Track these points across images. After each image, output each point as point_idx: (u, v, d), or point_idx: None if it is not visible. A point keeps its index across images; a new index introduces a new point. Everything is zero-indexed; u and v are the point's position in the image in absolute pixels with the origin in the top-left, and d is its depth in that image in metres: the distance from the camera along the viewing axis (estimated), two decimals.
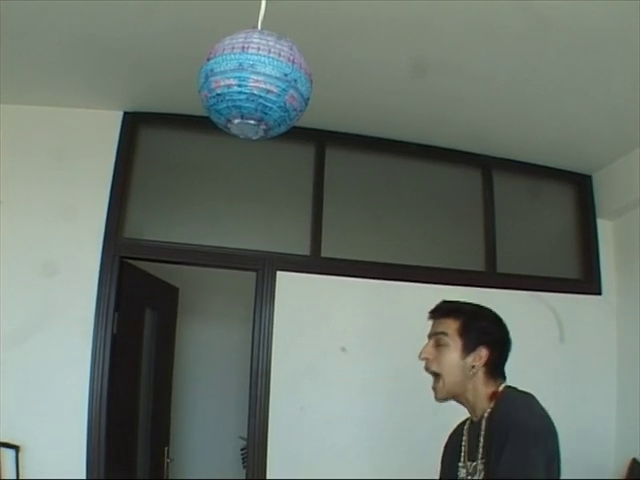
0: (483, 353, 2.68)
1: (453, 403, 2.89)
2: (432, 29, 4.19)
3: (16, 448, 4.83)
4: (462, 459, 2.72)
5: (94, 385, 5.08)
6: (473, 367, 2.68)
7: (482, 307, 2.84)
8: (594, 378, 5.89)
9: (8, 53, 4.59)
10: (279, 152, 5.74)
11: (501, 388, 2.68)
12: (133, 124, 5.65)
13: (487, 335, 2.72)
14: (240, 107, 2.24)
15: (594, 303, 6.09)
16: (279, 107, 2.26)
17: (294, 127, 2.46)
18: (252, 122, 2.29)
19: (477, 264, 6.01)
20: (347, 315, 5.61)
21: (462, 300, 2.90)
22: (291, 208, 5.84)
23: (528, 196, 6.32)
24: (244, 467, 6.36)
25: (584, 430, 5.51)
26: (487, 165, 6.23)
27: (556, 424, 2.48)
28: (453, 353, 2.70)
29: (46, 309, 5.09)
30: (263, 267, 5.55)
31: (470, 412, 2.77)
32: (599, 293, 6.18)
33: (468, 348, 2.69)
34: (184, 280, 6.93)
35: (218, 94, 2.25)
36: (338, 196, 5.87)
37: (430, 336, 2.82)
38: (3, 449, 4.82)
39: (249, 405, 5.37)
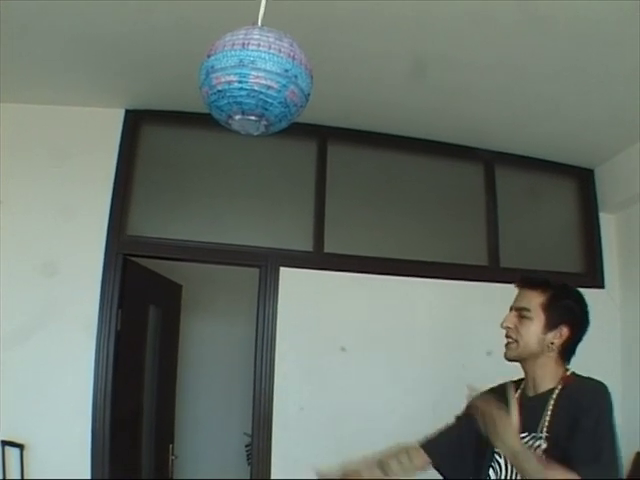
0: (564, 332, 2.74)
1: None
2: (432, 22, 4.18)
3: (20, 447, 4.85)
4: None
5: (98, 382, 5.10)
6: (552, 344, 2.73)
7: (568, 285, 2.88)
8: (597, 372, 5.87)
9: (8, 52, 4.60)
10: (281, 148, 5.75)
11: (569, 373, 2.77)
12: (135, 122, 5.66)
13: (570, 314, 2.77)
14: (241, 103, 2.25)
15: (597, 297, 6.02)
16: (280, 103, 2.26)
17: (296, 123, 2.47)
18: (253, 118, 2.30)
19: (480, 259, 6.02)
20: (350, 310, 5.61)
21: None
22: (293, 204, 5.85)
23: (530, 190, 6.32)
24: (249, 464, 6.38)
25: None
26: (489, 160, 6.22)
27: None
28: (535, 326, 2.74)
29: (49, 307, 5.09)
30: (266, 263, 5.56)
31: (529, 384, 2.81)
32: (602, 286, 6.19)
33: (550, 324, 2.73)
34: (187, 277, 6.94)
35: (219, 90, 2.26)
36: (340, 192, 5.88)
37: (513, 308, 2.85)
38: (7, 448, 4.84)
39: (253, 401, 5.38)
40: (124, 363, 5.35)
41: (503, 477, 2.70)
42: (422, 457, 2.98)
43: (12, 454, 4.84)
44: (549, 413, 2.62)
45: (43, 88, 5.28)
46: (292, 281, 5.54)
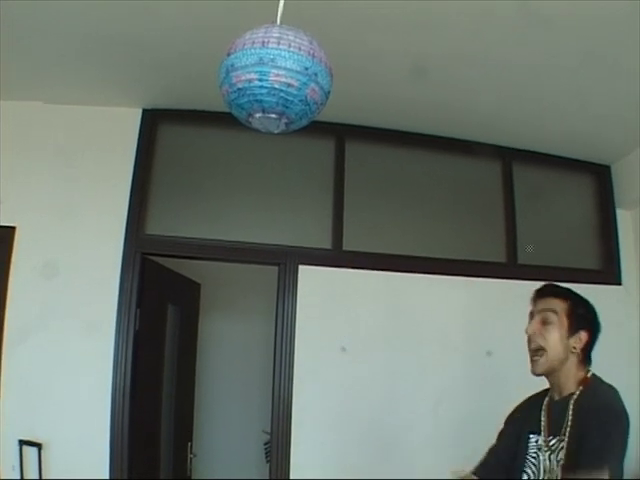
0: (583, 336, 2.87)
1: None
2: (447, 19, 4.18)
3: (39, 446, 4.85)
4: (541, 432, 2.84)
5: (117, 381, 5.12)
6: (574, 348, 2.84)
7: (581, 295, 2.99)
8: (616, 369, 5.85)
9: (26, 51, 4.63)
10: (299, 146, 5.77)
11: (589, 375, 2.85)
12: (152, 121, 5.68)
13: (588, 321, 2.91)
14: (261, 101, 2.26)
15: (614, 293, 6.08)
16: (300, 101, 2.27)
17: (313, 121, 2.48)
18: (273, 116, 2.31)
19: (498, 256, 6.02)
20: (369, 307, 5.61)
21: None
22: (312, 202, 5.86)
23: (547, 187, 6.32)
24: (268, 462, 6.38)
25: None
26: (507, 157, 6.23)
27: None
28: (559, 331, 2.85)
29: (68, 306, 5.14)
30: (285, 261, 5.57)
31: (555, 390, 2.90)
32: (619, 283, 6.18)
33: (572, 330, 2.86)
34: (206, 276, 6.97)
35: (239, 89, 2.27)
36: (359, 189, 5.88)
37: (536, 313, 2.94)
38: (25, 447, 4.84)
39: (272, 399, 5.40)
40: (143, 362, 5.37)
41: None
42: None
43: (30, 453, 4.85)
44: (570, 416, 2.72)
45: (61, 87, 5.31)
46: (311, 279, 5.55)
